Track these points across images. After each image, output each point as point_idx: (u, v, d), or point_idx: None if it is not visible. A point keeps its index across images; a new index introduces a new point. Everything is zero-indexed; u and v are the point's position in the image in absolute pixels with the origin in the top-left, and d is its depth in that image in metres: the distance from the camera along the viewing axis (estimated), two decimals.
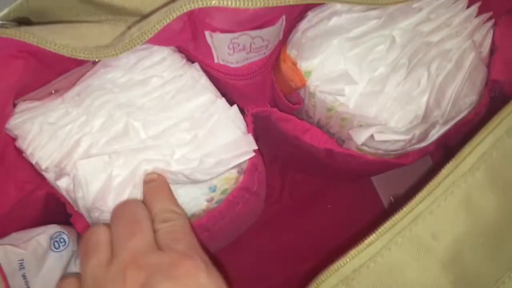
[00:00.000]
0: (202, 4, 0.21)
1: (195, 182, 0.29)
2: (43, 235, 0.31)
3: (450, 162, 0.24)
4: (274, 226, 0.47)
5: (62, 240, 0.32)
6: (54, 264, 0.31)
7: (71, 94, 0.29)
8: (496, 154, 0.24)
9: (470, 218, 0.24)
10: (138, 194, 0.28)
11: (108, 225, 0.27)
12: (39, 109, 0.29)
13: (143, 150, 0.28)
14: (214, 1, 0.21)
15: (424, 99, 0.30)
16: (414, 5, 0.30)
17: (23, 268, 0.30)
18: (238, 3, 0.21)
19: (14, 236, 0.31)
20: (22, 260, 0.30)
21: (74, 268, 0.31)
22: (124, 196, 0.28)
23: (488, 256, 0.24)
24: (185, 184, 0.29)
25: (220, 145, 0.29)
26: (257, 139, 0.37)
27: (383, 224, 0.24)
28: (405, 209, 0.24)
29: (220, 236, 0.36)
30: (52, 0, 0.25)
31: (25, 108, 0.29)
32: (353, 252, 0.24)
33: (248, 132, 0.31)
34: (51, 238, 0.31)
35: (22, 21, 0.25)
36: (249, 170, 0.32)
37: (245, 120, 0.31)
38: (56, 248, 0.31)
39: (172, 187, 0.29)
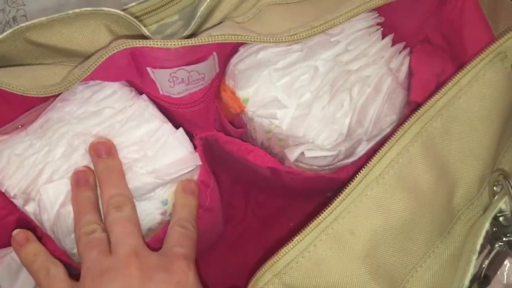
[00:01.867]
0: (126, 46, 0.26)
1: (149, 190, 0.33)
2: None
3: (364, 169, 0.28)
4: (239, 245, 0.50)
5: None
6: (28, 278, 0.33)
7: (34, 127, 0.33)
8: (402, 161, 0.28)
9: (382, 216, 0.28)
10: None
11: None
12: (7, 142, 0.33)
13: None
14: (136, 42, 0.26)
15: (347, 120, 0.34)
16: (333, 39, 0.34)
17: None
18: (158, 43, 0.26)
19: None
20: None
21: None
22: None
23: (399, 249, 0.28)
24: (139, 202, 0.33)
25: (168, 163, 0.33)
26: (217, 164, 0.41)
27: (309, 224, 0.28)
28: (328, 210, 0.28)
29: None
30: (12, 47, 0.29)
31: None
32: (284, 249, 0.28)
33: (197, 151, 0.35)
34: None
35: None
36: (200, 187, 0.35)
37: (194, 143, 0.35)
38: None
39: None
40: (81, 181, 0.31)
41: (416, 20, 0.37)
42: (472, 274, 0.26)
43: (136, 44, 0.26)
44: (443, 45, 0.37)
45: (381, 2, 0.28)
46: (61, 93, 0.30)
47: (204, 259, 0.46)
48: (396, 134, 0.29)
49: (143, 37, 0.29)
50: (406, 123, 0.29)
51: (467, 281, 0.26)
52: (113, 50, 0.26)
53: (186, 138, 0.34)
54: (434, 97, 0.29)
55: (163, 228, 0.35)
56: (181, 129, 0.33)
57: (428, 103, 0.29)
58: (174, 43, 0.26)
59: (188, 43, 0.26)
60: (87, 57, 0.30)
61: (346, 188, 0.28)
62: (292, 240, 0.28)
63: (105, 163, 0.32)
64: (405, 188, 0.28)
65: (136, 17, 0.33)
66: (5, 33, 0.28)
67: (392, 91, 0.36)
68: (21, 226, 0.36)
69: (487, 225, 0.26)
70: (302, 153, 0.34)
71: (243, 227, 0.51)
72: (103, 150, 0.31)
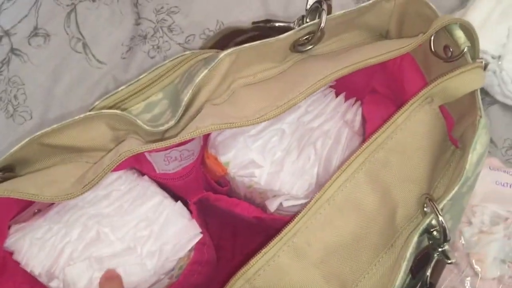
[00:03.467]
0: (138, 151, 0.31)
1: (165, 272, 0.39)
2: None
3: (317, 193, 0.34)
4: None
5: None
6: None
7: (51, 213, 0.38)
8: (349, 185, 0.34)
9: (333, 231, 0.33)
10: None
11: None
12: (28, 228, 0.38)
13: (117, 255, 0.37)
14: (142, 147, 0.32)
15: (315, 170, 0.40)
16: None
17: None
18: (160, 144, 0.32)
19: None
20: None
21: None
22: None
23: (349, 258, 0.33)
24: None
25: (172, 233, 0.38)
26: (205, 215, 0.47)
27: (274, 238, 0.33)
28: (289, 226, 0.33)
29: None
30: (28, 150, 0.34)
31: (16, 229, 0.38)
32: (253, 260, 0.33)
33: (193, 217, 0.41)
34: None
35: (6, 169, 0.35)
36: (197, 247, 0.41)
37: (190, 209, 0.41)
38: None
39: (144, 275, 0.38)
40: (112, 276, 0.36)
41: (365, 76, 0.44)
42: (402, 278, 0.31)
43: (143, 149, 0.32)
44: (387, 93, 0.44)
45: (332, 78, 0.34)
46: None
47: None
48: (345, 164, 0.34)
49: (141, 128, 0.34)
50: (353, 155, 0.34)
51: (397, 282, 0.31)
52: (125, 156, 0.32)
53: (184, 208, 0.40)
54: (375, 134, 0.35)
55: (170, 287, 0.40)
56: (179, 202, 0.39)
57: (370, 139, 0.35)
58: (172, 141, 0.32)
59: (182, 139, 0.32)
60: (90, 150, 0.36)
61: (305, 208, 0.34)
62: (260, 252, 0.33)
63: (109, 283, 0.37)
64: (353, 208, 0.33)
65: (126, 98, 0.39)
66: (23, 142, 0.33)
67: (350, 139, 0.42)
68: None
69: (415, 238, 0.32)
70: (281, 203, 0.40)
71: (231, 266, 0.57)
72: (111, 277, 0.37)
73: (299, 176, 0.40)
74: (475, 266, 0.52)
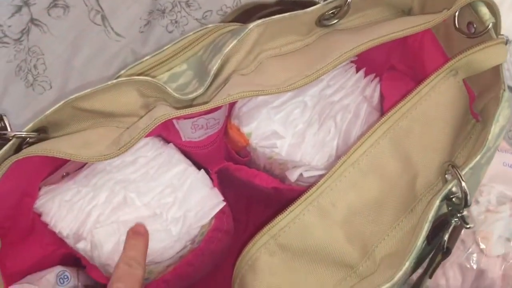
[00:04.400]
0: (170, 116, 0.33)
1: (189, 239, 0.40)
2: (51, 274, 0.40)
3: (343, 157, 0.35)
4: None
5: (65, 276, 0.40)
6: None
7: (80, 177, 0.39)
8: (373, 151, 0.35)
9: (356, 193, 0.34)
10: None
11: None
12: (57, 190, 0.39)
13: (143, 220, 0.38)
14: (177, 112, 0.33)
15: (335, 143, 0.42)
16: None
17: None
18: (194, 109, 0.33)
19: (29, 277, 0.39)
20: None
21: None
22: None
23: (371, 220, 0.34)
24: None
25: (196, 201, 0.40)
26: (223, 186, 0.48)
27: (299, 198, 0.35)
28: (314, 187, 0.35)
29: (202, 268, 0.46)
30: (62, 114, 0.35)
31: (46, 191, 0.39)
32: (279, 217, 0.34)
33: (214, 186, 0.42)
34: (57, 276, 0.40)
35: (41, 130, 0.35)
36: (218, 215, 0.42)
37: (211, 178, 0.42)
38: (61, 284, 0.40)
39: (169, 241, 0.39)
40: (139, 232, 0.37)
41: (384, 53, 0.45)
42: (423, 237, 0.33)
43: (178, 114, 0.33)
44: (406, 70, 0.45)
45: (357, 51, 0.35)
46: None
47: (216, 274, 0.52)
48: (370, 131, 0.36)
49: (170, 95, 0.35)
50: (378, 123, 0.36)
51: (419, 242, 0.32)
52: (160, 121, 0.33)
53: (206, 177, 0.41)
54: (400, 103, 0.36)
55: (191, 253, 0.41)
56: (202, 170, 0.40)
57: (395, 108, 0.36)
58: (205, 106, 0.33)
59: (213, 105, 0.33)
60: (121, 115, 0.37)
61: (329, 172, 0.35)
62: (286, 210, 0.34)
63: (136, 238, 0.37)
64: (376, 173, 0.35)
65: (150, 68, 0.40)
66: (58, 105, 0.34)
67: (368, 114, 0.43)
68: (67, 258, 0.43)
69: (437, 202, 0.33)
70: (301, 174, 0.41)
71: (246, 237, 0.58)
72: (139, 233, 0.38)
73: (320, 148, 0.41)
74: (481, 244, 0.53)
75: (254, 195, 0.51)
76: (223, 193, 0.47)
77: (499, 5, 0.58)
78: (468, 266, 0.53)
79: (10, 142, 0.33)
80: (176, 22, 0.58)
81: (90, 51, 0.56)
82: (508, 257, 0.53)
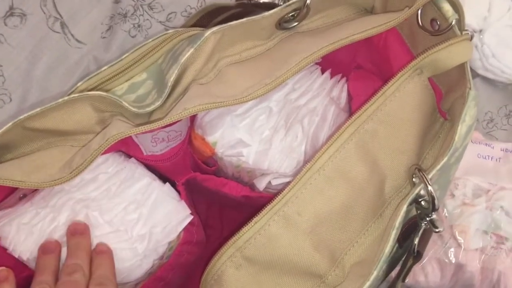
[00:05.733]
0: (127, 134, 0.31)
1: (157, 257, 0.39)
2: None
3: (307, 164, 0.34)
4: None
5: None
6: None
7: (37, 198, 0.37)
8: (339, 156, 0.34)
9: (323, 200, 0.33)
10: None
11: None
12: (14, 213, 0.37)
13: (108, 239, 0.37)
14: (130, 131, 0.31)
15: (303, 148, 0.40)
16: None
17: None
18: (148, 127, 0.31)
19: None
20: None
21: None
22: None
23: (338, 227, 0.34)
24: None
25: (162, 216, 0.38)
26: (193, 195, 0.47)
27: (264, 208, 0.34)
28: (279, 196, 0.34)
29: (174, 282, 0.45)
30: (12, 135, 0.34)
31: (2, 215, 0.37)
32: (244, 229, 0.33)
33: (182, 198, 0.40)
34: None
35: None
36: (187, 227, 0.41)
37: (178, 190, 0.41)
38: None
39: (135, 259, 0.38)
40: (48, 250, 0.35)
41: (349, 52, 0.44)
42: (391, 245, 0.32)
43: (131, 132, 0.31)
44: (373, 69, 0.44)
45: (319, 54, 0.34)
46: None
47: (189, 284, 0.51)
48: (335, 135, 0.35)
49: (126, 109, 0.34)
50: (343, 127, 0.35)
51: (386, 250, 0.31)
52: (113, 141, 0.31)
53: (172, 190, 0.39)
54: (365, 106, 0.35)
55: (160, 268, 0.40)
56: (167, 183, 0.39)
57: (360, 110, 0.35)
58: (160, 123, 0.31)
59: (170, 120, 0.31)
60: (75, 133, 0.35)
61: (295, 179, 0.34)
62: (251, 221, 0.33)
63: (76, 240, 0.36)
64: (342, 178, 0.34)
65: (109, 79, 0.38)
66: (7, 126, 0.32)
67: (337, 116, 0.42)
68: (30, 279, 0.41)
69: (404, 208, 0.32)
70: (269, 182, 0.40)
71: (220, 244, 0.57)
72: (78, 231, 0.36)
73: (287, 154, 0.40)
74: (458, 238, 0.53)
75: (226, 201, 0.50)
76: (194, 201, 0.45)
77: None
78: (447, 260, 0.53)
79: None
80: (139, 26, 0.56)
81: (50, 60, 0.54)
82: (486, 250, 0.53)
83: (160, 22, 0.57)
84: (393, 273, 0.41)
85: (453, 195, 0.55)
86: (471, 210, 0.54)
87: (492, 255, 0.53)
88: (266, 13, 0.36)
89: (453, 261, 0.53)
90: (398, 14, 0.35)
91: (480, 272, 0.53)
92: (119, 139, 0.31)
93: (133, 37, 0.56)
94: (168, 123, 0.32)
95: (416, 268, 0.54)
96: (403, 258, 0.37)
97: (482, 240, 0.53)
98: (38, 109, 0.33)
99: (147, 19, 0.56)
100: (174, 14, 0.57)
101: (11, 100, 0.53)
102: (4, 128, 0.32)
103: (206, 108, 0.32)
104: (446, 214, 0.54)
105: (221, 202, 0.53)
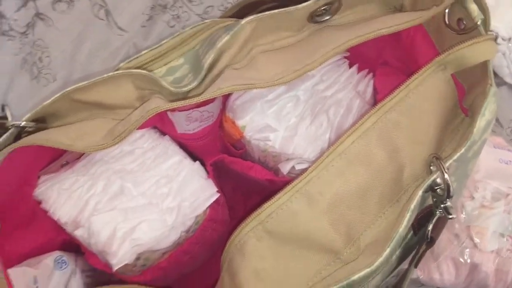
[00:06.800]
0: (165, 108, 0.34)
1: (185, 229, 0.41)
2: (49, 258, 0.41)
3: (331, 147, 0.36)
4: None
5: (63, 261, 0.42)
6: (59, 279, 0.41)
7: (79, 166, 0.40)
8: (361, 142, 0.36)
9: (343, 182, 0.35)
10: (134, 245, 0.39)
11: None
12: (56, 178, 0.40)
13: (139, 209, 0.39)
14: (168, 105, 0.34)
15: (327, 136, 0.42)
16: (310, 73, 0.43)
17: (36, 283, 0.39)
18: (185, 102, 0.34)
19: (28, 261, 0.41)
20: (35, 276, 0.39)
21: (74, 282, 0.42)
22: (124, 245, 0.39)
23: (356, 208, 0.35)
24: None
25: (190, 192, 0.41)
26: (219, 178, 0.49)
27: (287, 186, 0.36)
28: (302, 175, 0.36)
29: (198, 257, 0.47)
30: (60, 105, 0.37)
31: (45, 179, 0.40)
32: (267, 204, 0.35)
33: (210, 178, 0.43)
34: (55, 260, 0.41)
35: (39, 120, 0.37)
36: (212, 205, 0.43)
37: (207, 170, 0.43)
38: (59, 268, 0.41)
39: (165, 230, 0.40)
40: None
41: (377, 48, 0.45)
42: (405, 226, 0.33)
43: (169, 106, 0.34)
44: (399, 66, 0.46)
45: (347, 46, 0.36)
46: None
47: (213, 263, 0.53)
48: (358, 122, 0.36)
49: (165, 88, 0.36)
50: (367, 115, 0.37)
51: (401, 229, 0.33)
52: (153, 112, 0.34)
53: (201, 168, 0.42)
54: (389, 96, 0.37)
55: (186, 241, 0.42)
56: (197, 162, 0.42)
57: (384, 100, 0.37)
58: (195, 99, 0.34)
59: (205, 98, 0.34)
60: (117, 107, 0.38)
61: (317, 160, 0.36)
62: (274, 197, 0.36)
63: None
64: (363, 163, 0.36)
65: (148, 62, 0.41)
66: (56, 96, 0.35)
67: (361, 109, 0.44)
68: (66, 244, 0.44)
69: (420, 193, 0.34)
70: (293, 166, 0.42)
71: None
72: None
73: (312, 141, 0.42)
74: (475, 239, 0.54)
75: (251, 186, 0.52)
76: (220, 184, 0.48)
77: (498, 2, 0.59)
78: (462, 260, 0.54)
79: (9, 132, 0.34)
80: (178, 17, 0.59)
81: (93, 45, 0.58)
82: (501, 252, 0.54)
83: (197, 14, 0.60)
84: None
85: (472, 197, 0.56)
86: (490, 212, 0.55)
87: (507, 258, 0.54)
88: (299, 5, 0.38)
89: (468, 261, 0.54)
90: (426, 12, 0.37)
91: (495, 273, 0.54)
92: (158, 111, 0.34)
93: (171, 27, 0.59)
94: (203, 99, 0.34)
95: (432, 265, 0.55)
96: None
97: (498, 243, 0.54)
98: (85, 82, 0.36)
99: (186, 11, 0.60)
100: (212, 7, 0.60)
101: (55, 79, 0.56)
102: (54, 97, 0.36)
103: (239, 89, 0.34)
104: (464, 215, 0.55)
105: (245, 187, 0.55)
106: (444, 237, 0.55)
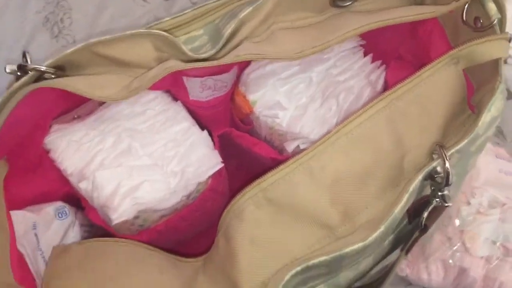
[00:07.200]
0: (182, 67, 0.34)
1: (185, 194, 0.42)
2: (51, 207, 0.42)
3: (338, 126, 0.37)
4: None
5: (64, 212, 0.43)
6: (58, 228, 0.42)
7: (90, 120, 0.41)
8: (368, 124, 0.37)
9: (346, 161, 0.36)
10: (135, 202, 0.40)
11: None
12: (67, 129, 0.41)
13: (144, 169, 0.40)
14: (186, 65, 0.35)
15: (335, 120, 0.43)
16: (325, 56, 0.44)
17: (35, 228, 0.40)
18: (203, 64, 0.35)
19: (30, 207, 0.42)
20: (35, 222, 0.40)
21: (72, 233, 0.43)
22: (125, 201, 0.40)
23: (356, 188, 0.36)
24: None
25: (196, 158, 0.42)
26: (225, 154, 0.50)
27: (292, 158, 0.37)
28: (307, 150, 0.37)
29: (195, 225, 0.48)
30: (80, 55, 0.37)
31: (56, 129, 0.41)
32: (270, 173, 0.36)
33: (215, 149, 0.44)
34: (56, 210, 0.42)
35: (59, 68, 0.38)
36: (215, 175, 0.44)
37: (213, 140, 0.44)
38: (59, 218, 0.42)
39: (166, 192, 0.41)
40: None
41: (393, 41, 0.46)
42: (402, 207, 0.34)
43: (187, 66, 0.35)
44: (413, 61, 0.47)
45: (365, 29, 0.37)
46: None
47: (208, 235, 0.54)
48: (368, 105, 0.37)
49: (184, 53, 0.37)
50: (377, 99, 0.38)
51: (396, 210, 0.34)
52: (170, 70, 0.35)
53: (208, 138, 0.43)
54: (400, 84, 0.38)
55: (185, 208, 0.43)
56: (205, 131, 0.43)
57: (395, 87, 0.38)
58: (212, 63, 0.35)
59: (222, 62, 0.35)
60: (134, 66, 0.39)
61: (323, 138, 0.37)
62: (277, 168, 0.37)
63: None
64: (367, 145, 0.37)
65: (168, 30, 0.42)
66: (78, 46, 0.36)
67: (371, 98, 0.45)
68: (68, 197, 0.45)
69: (420, 177, 0.34)
70: (298, 146, 0.43)
71: None
72: None
73: (320, 123, 0.43)
74: (467, 243, 0.55)
75: (254, 165, 0.53)
76: (224, 161, 0.49)
77: None
78: (451, 262, 0.55)
79: (30, 74, 0.35)
80: None
81: (115, 12, 0.59)
82: (491, 260, 0.55)
83: None
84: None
85: (469, 203, 0.57)
86: (484, 219, 0.55)
87: (496, 266, 0.54)
88: None
89: (458, 265, 0.54)
90: (445, 6, 0.38)
91: (483, 279, 0.54)
92: (175, 70, 0.35)
93: (193, 3, 0.60)
94: (220, 64, 0.35)
95: (421, 265, 0.56)
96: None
97: (490, 249, 0.54)
98: (108, 36, 0.37)
99: None
100: None
101: (74, 41, 0.58)
102: (75, 47, 0.36)
103: (255, 58, 0.35)
104: (459, 220, 0.56)
105: (249, 166, 0.56)
106: (436, 238, 0.56)
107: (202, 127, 0.44)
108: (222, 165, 0.44)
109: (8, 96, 0.34)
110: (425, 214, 0.36)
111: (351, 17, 0.40)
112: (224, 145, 0.48)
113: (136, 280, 0.37)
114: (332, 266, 0.35)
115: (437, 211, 0.36)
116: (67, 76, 0.37)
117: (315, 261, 0.33)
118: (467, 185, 0.56)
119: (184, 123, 0.42)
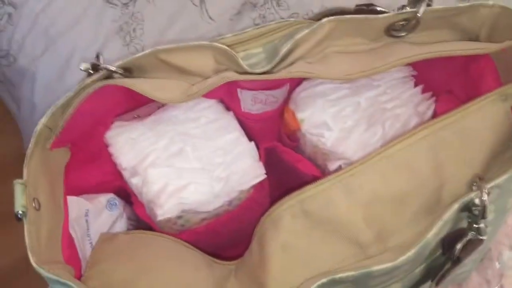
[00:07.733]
0: (239, 78, 0.37)
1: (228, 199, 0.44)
2: (103, 198, 0.45)
3: (380, 149, 0.38)
4: None
5: (115, 204, 0.46)
6: (107, 218, 0.44)
7: (148, 121, 0.44)
8: (410, 149, 0.38)
9: (384, 184, 0.37)
10: (179, 201, 0.43)
11: None
12: (127, 127, 0.44)
13: (192, 172, 0.43)
14: (242, 76, 0.37)
15: (379, 145, 0.44)
16: (375, 83, 0.45)
17: (87, 215, 0.43)
18: (257, 77, 0.37)
19: (85, 196, 0.45)
20: (88, 209, 0.43)
21: (119, 224, 0.46)
22: (171, 200, 0.43)
23: (392, 211, 0.37)
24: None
25: (241, 168, 0.44)
26: (269, 168, 0.52)
27: (332, 175, 0.38)
28: (347, 168, 0.38)
29: (233, 232, 0.50)
30: (147, 60, 0.41)
31: (117, 125, 0.44)
32: (309, 186, 0.38)
33: (261, 161, 0.46)
34: (108, 201, 0.45)
35: (127, 69, 0.41)
36: (257, 187, 0.46)
37: (259, 153, 0.46)
38: (109, 209, 0.45)
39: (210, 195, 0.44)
40: None
41: (445, 75, 0.47)
42: (434, 234, 0.35)
43: (243, 77, 0.37)
44: (462, 97, 0.47)
45: (413, 59, 0.38)
46: None
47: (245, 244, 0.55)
48: (412, 131, 0.39)
49: (240, 67, 0.40)
50: (421, 127, 0.39)
51: (429, 235, 0.34)
52: (227, 80, 0.37)
53: (255, 149, 0.46)
54: (446, 114, 0.39)
55: (226, 215, 0.46)
56: (253, 142, 0.45)
57: (440, 117, 0.39)
58: (266, 76, 0.37)
59: (275, 77, 0.37)
60: (194, 74, 0.42)
61: (363, 159, 0.38)
62: (316, 182, 0.38)
63: None
64: (407, 170, 0.38)
65: (230, 45, 0.44)
66: (145, 52, 0.40)
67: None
68: (120, 190, 0.48)
69: (456, 206, 0.35)
70: (340, 166, 0.44)
71: None
72: None
73: (363, 147, 0.44)
74: (505, 287, 0.54)
75: (295, 182, 0.54)
76: (268, 175, 0.50)
77: None
78: None
79: (100, 72, 0.39)
80: (263, 17, 0.64)
81: (183, 26, 0.63)
82: None
83: (282, 18, 0.64)
84: None
85: (510, 247, 0.56)
86: None
87: None
88: (380, 15, 0.40)
89: None
90: (499, 44, 0.39)
91: None
92: (232, 80, 0.37)
93: (256, 25, 0.63)
94: (273, 78, 0.37)
95: None
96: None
97: None
98: (173, 45, 0.40)
99: (272, 13, 0.64)
100: (297, 14, 0.64)
101: (143, 49, 0.62)
102: (143, 53, 0.40)
103: (306, 75, 0.37)
104: (499, 263, 0.55)
105: (289, 185, 0.58)
106: (474, 279, 0.55)
107: (250, 138, 0.46)
108: (265, 176, 0.46)
109: (79, 90, 0.38)
110: (459, 246, 0.36)
111: (403, 47, 0.41)
112: (269, 160, 0.50)
113: (173, 274, 0.39)
114: (359, 284, 0.35)
115: (472, 244, 0.36)
116: (133, 77, 0.40)
117: (342, 275, 0.34)
118: (510, 228, 0.55)
119: (234, 133, 0.45)
